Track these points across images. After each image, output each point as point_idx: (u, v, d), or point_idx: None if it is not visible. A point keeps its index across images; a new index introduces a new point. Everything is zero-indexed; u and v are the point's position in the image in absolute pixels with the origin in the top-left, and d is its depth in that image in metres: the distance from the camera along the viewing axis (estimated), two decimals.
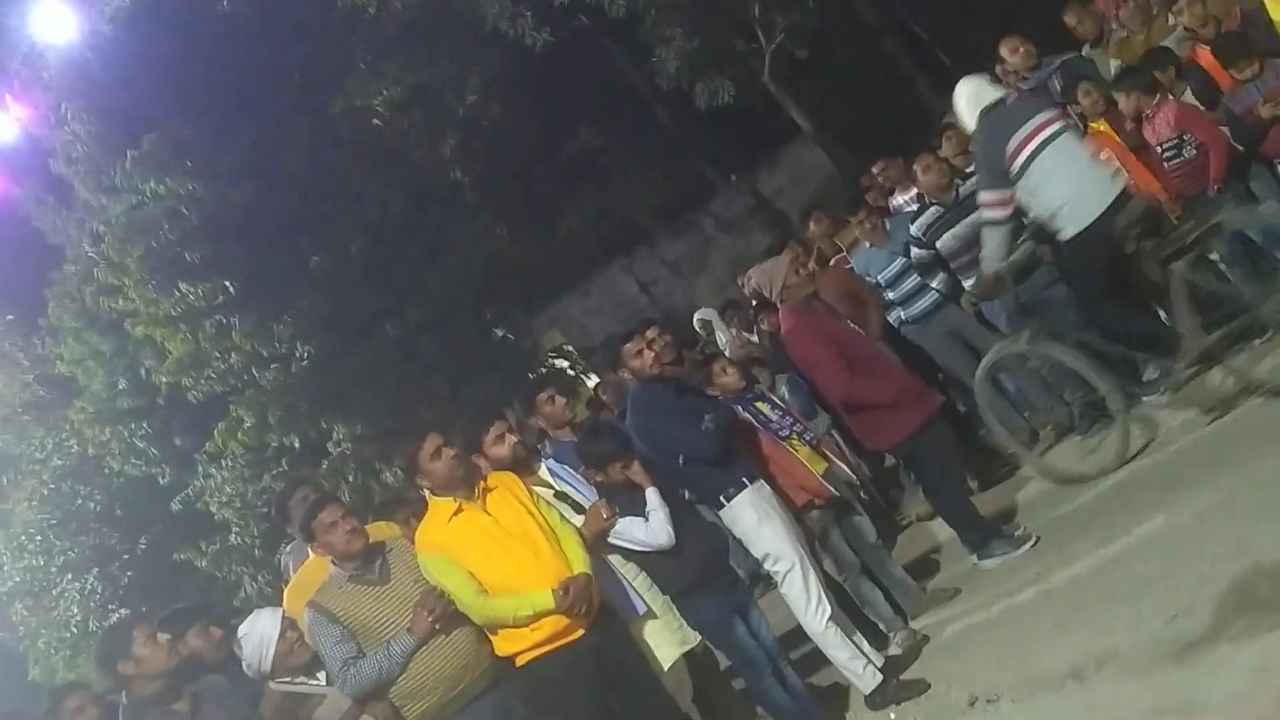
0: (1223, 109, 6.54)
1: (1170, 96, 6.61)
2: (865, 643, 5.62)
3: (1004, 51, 7.98)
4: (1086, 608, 4.95)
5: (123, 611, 15.89)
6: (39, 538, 16.81)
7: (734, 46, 17.28)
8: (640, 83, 20.08)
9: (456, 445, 5.06)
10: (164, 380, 14.54)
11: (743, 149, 20.07)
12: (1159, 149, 6.46)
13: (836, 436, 7.75)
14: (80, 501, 16.71)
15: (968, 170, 7.55)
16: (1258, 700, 3.59)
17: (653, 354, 6.01)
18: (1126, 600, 4.71)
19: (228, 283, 13.53)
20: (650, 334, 6.73)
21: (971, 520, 6.26)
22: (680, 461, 5.66)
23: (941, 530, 7.17)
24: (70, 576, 16.60)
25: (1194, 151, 6.33)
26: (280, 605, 5.21)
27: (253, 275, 13.48)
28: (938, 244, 7.09)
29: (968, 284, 7.05)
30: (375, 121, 16.43)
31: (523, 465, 5.41)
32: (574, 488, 5.46)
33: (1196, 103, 6.65)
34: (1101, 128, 6.92)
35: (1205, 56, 6.79)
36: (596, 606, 4.79)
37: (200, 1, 13.89)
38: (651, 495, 5.24)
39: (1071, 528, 5.93)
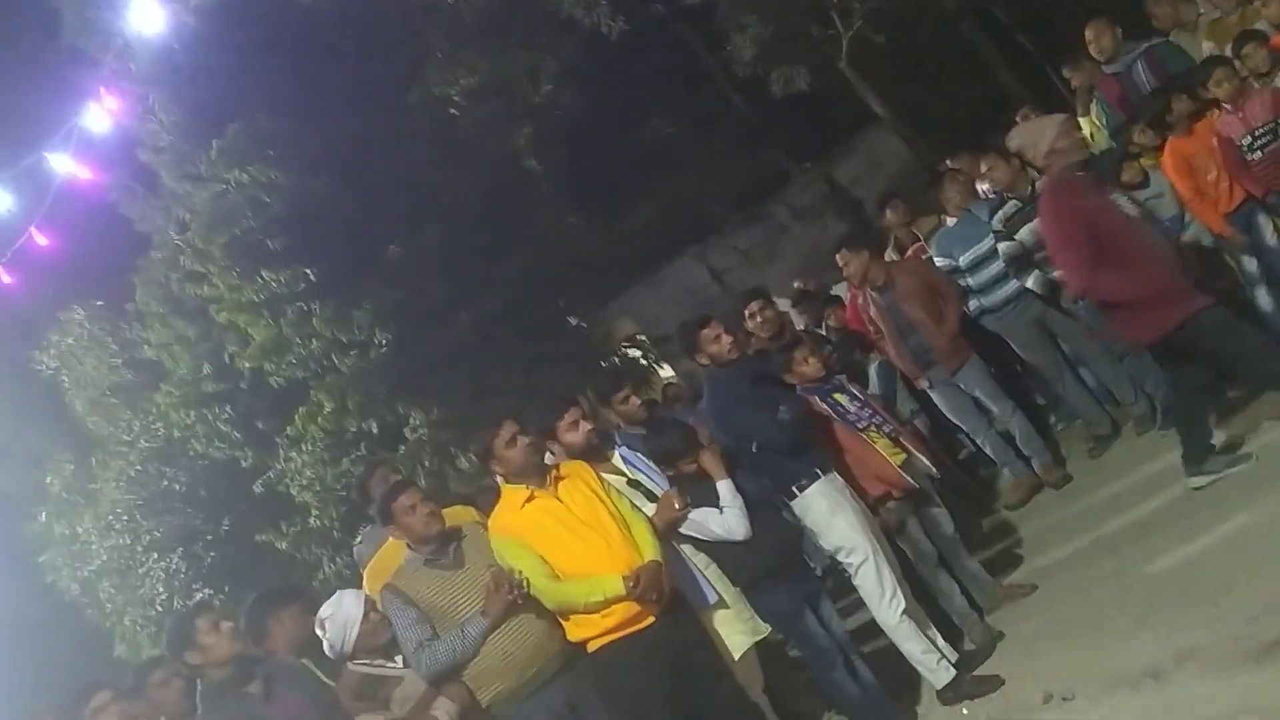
0: None
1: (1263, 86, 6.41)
2: (939, 637, 5.57)
3: (1087, 36, 7.82)
4: (1166, 605, 4.87)
5: (206, 591, 16.29)
6: (126, 518, 17.24)
7: (810, 33, 17.13)
8: (715, 70, 20.00)
9: (531, 433, 5.11)
10: (247, 365, 14.82)
11: (818, 136, 19.88)
12: (1249, 138, 6.23)
13: (919, 426, 7.72)
14: (166, 483, 17.09)
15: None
16: None
17: (730, 339, 6.00)
18: (1207, 598, 4.62)
19: (308, 270, 13.74)
20: (754, 306, 6.74)
21: (1196, 432, 5.66)
22: (754, 449, 5.66)
23: (1022, 524, 7.10)
24: (156, 556, 16.99)
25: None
26: (360, 588, 5.32)
27: (332, 263, 13.68)
28: (1017, 237, 6.98)
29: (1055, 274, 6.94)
30: (452, 111, 16.57)
31: (596, 452, 5.44)
32: (647, 475, 5.48)
33: None
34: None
35: None
36: (667, 594, 4.81)
37: None
38: (724, 488, 5.23)
39: (1153, 524, 5.83)
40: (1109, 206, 5.56)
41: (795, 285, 10.06)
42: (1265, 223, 6.50)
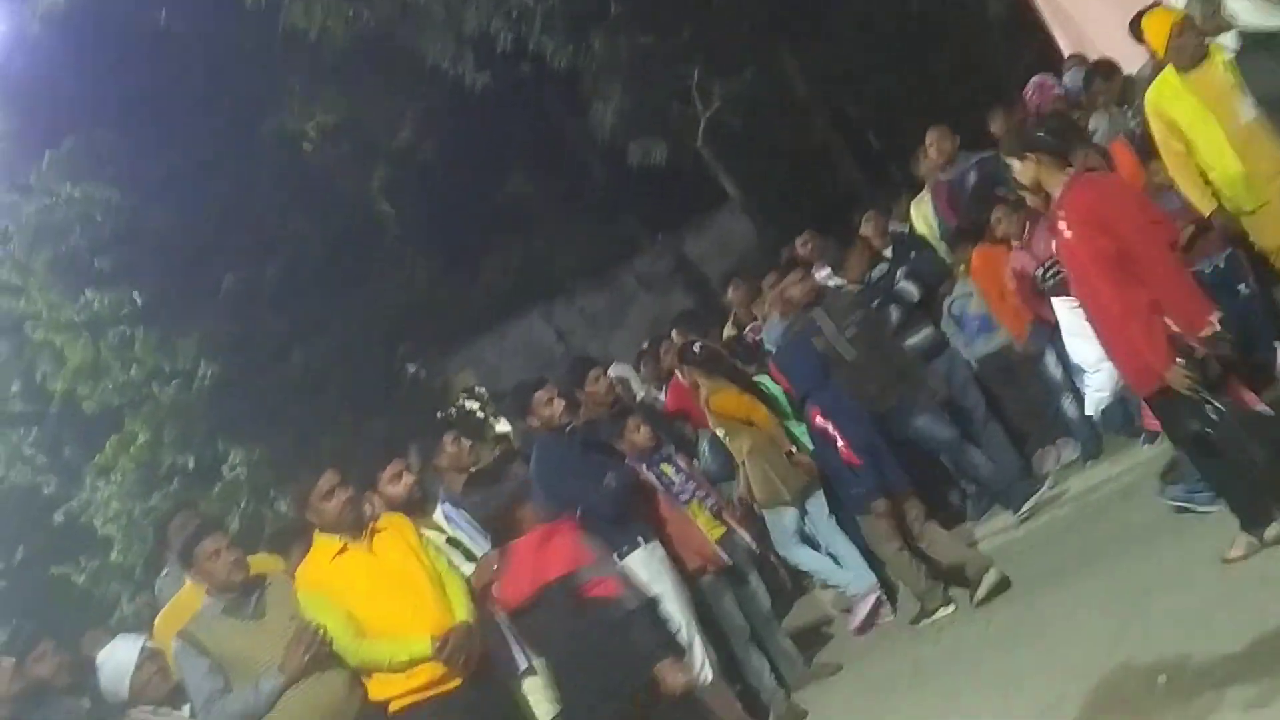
0: None
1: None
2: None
3: (928, 139, 8.19)
4: (960, 694, 5.03)
5: None
6: None
7: (670, 110, 17.49)
8: (576, 135, 20.19)
9: (352, 486, 4.99)
10: (59, 387, 14.16)
11: (671, 210, 20.22)
12: (1042, 270, 6.39)
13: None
14: None
15: (885, 252, 7.78)
16: None
17: (563, 404, 6.05)
18: (1000, 691, 4.79)
19: (136, 293, 13.26)
20: (596, 371, 6.79)
21: None
22: (578, 515, 5.65)
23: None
24: None
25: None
26: (147, 632, 5.07)
27: (162, 288, 13.23)
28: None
29: None
30: (305, 145, 16.27)
31: (416, 507, 5.36)
32: (468, 535, 5.42)
33: None
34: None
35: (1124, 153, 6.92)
36: (477, 657, 4.73)
37: (136, 11, 13.68)
38: None
39: (950, 616, 6.05)
40: None
41: (642, 346, 10.08)
42: None
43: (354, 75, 17.61)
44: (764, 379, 7.12)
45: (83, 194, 13.25)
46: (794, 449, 6.82)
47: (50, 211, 13.53)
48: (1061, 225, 4.55)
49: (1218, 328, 4.43)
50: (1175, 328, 4.39)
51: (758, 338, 7.94)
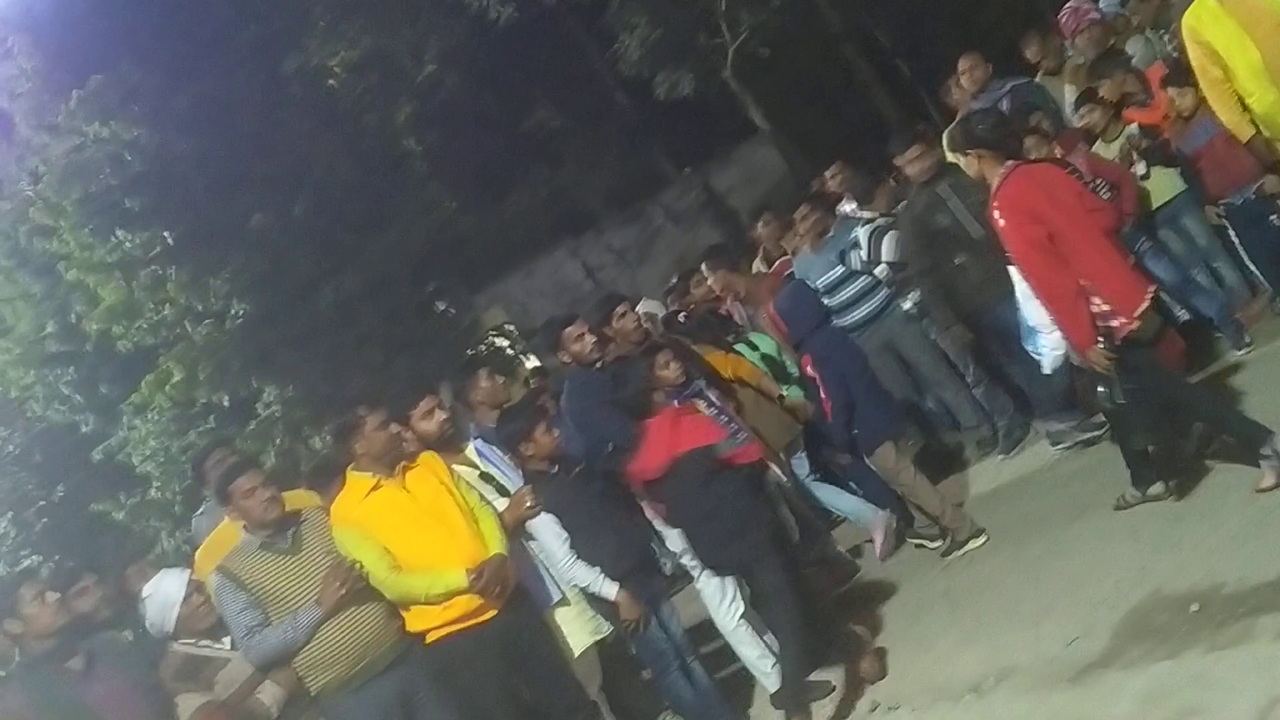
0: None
1: (1083, 145, 6.68)
2: (775, 642, 5.67)
3: (961, 66, 8.05)
4: (991, 625, 5.06)
5: (34, 559, 15.67)
6: None
7: (697, 40, 17.29)
8: (601, 68, 20.00)
9: (396, 423, 5.06)
10: (94, 327, 14.29)
11: (698, 143, 20.06)
12: None
13: None
14: None
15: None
16: None
17: (594, 339, 6.07)
18: (1029, 620, 4.82)
19: (166, 233, 13.32)
20: (623, 308, 6.79)
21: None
22: (610, 449, 5.69)
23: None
24: None
25: (1109, 193, 6.37)
26: (189, 566, 5.17)
27: (192, 227, 13.27)
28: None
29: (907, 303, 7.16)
30: (330, 82, 16.20)
31: (448, 443, 5.41)
32: (500, 470, 5.47)
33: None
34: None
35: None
36: (511, 589, 4.81)
37: None
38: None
39: (983, 546, 6.06)
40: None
41: (671, 281, 10.06)
42: None
43: (378, 8, 17.50)
44: (743, 347, 7.08)
45: (111, 133, 13.26)
46: (784, 393, 6.84)
47: (79, 151, 13.56)
48: (996, 215, 4.98)
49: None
50: (1107, 307, 4.73)
51: (728, 310, 7.89)
